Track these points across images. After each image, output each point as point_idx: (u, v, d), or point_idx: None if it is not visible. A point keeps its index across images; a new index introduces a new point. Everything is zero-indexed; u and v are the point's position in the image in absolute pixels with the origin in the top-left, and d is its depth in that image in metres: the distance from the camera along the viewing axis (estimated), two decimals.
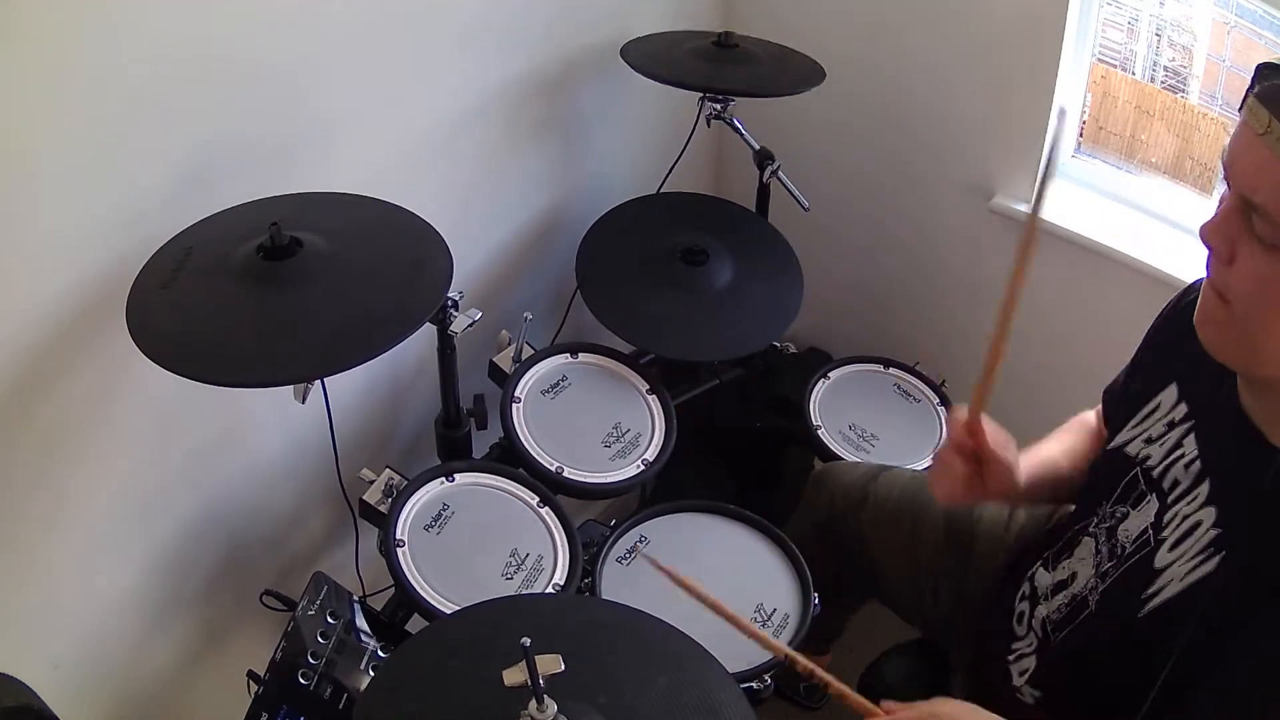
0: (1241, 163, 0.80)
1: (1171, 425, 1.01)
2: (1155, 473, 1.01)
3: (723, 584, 1.37)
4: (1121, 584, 1.02)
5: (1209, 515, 0.94)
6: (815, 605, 1.34)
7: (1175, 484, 0.98)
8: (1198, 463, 0.97)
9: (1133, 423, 1.06)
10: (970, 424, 1.07)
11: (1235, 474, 0.92)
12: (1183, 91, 1.71)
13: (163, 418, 1.24)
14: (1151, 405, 1.05)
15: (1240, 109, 0.80)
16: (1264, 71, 0.78)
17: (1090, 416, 1.28)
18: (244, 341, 1.01)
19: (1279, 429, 0.90)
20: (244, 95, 1.17)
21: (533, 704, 0.77)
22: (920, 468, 1.58)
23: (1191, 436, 0.99)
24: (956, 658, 1.35)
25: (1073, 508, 1.34)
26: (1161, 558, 0.97)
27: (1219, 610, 0.91)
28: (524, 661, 0.75)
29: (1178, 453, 0.99)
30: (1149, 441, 1.03)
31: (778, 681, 1.31)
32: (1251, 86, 0.78)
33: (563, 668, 0.76)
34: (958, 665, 1.34)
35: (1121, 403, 1.13)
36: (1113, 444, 1.08)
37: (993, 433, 1.08)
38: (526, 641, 0.74)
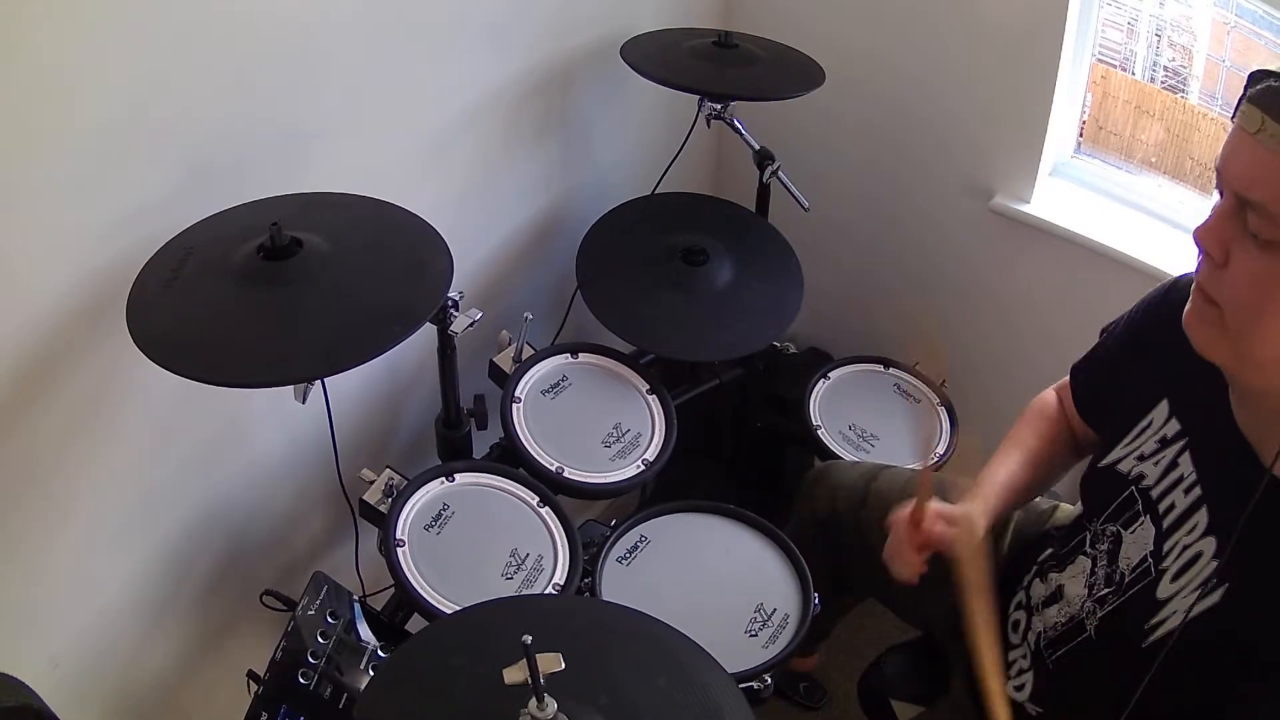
0: (1236, 163, 0.80)
1: (1164, 442, 1.01)
2: (1153, 494, 1.01)
3: (723, 584, 1.38)
4: (1123, 613, 1.02)
5: (1209, 546, 0.93)
6: (815, 605, 1.34)
7: (1172, 508, 0.98)
8: (1197, 489, 0.96)
9: (1125, 441, 1.06)
10: (913, 519, 1.13)
11: (1233, 501, 0.91)
12: (1183, 91, 1.71)
13: (163, 417, 1.24)
14: (1144, 423, 1.04)
15: (1233, 116, 0.81)
16: (1256, 77, 0.79)
17: (1049, 399, 1.28)
18: (244, 341, 1.01)
19: (1271, 447, 0.89)
20: (244, 95, 1.17)
21: (533, 702, 0.77)
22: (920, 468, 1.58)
23: (1186, 456, 0.98)
24: (955, 656, 1.35)
25: (1068, 507, 1.34)
26: (1164, 589, 0.97)
27: (1225, 641, 0.91)
28: (524, 660, 0.75)
29: (1174, 474, 0.99)
30: (1141, 459, 1.03)
31: (778, 681, 1.31)
32: (1244, 93, 0.80)
33: (563, 666, 0.77)
34: (957, 664, 1.34)
35: (1108, 414, 1.12)
36: (1104, 461, 1.08)
37: (939, 515, 1.12)
38: (528, 639, 0.74)
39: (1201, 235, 0.84)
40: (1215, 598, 0.92)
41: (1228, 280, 0.83)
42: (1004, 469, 1.21)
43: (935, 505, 1.14)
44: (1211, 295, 0.85)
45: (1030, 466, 1.21)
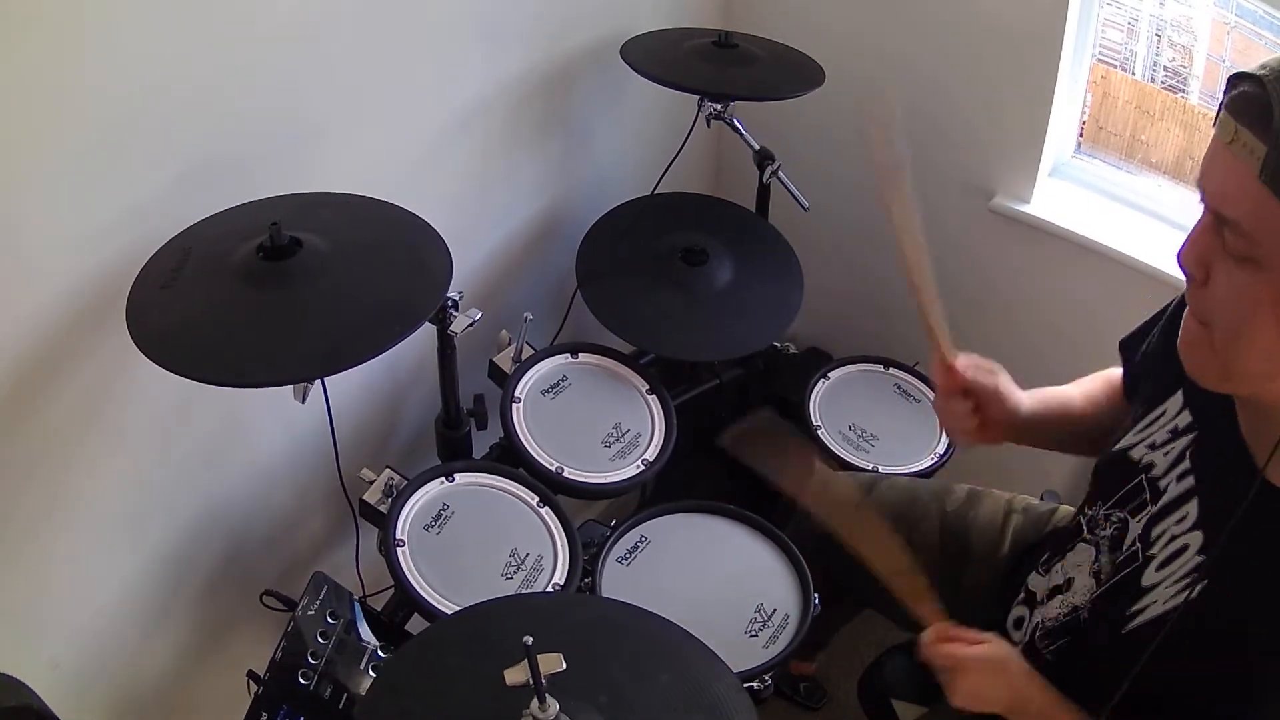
0: (1212, 178, 0.79)
1: (1175, 434, 1.01)
2: (1161, 483, 1.00)
3: (723, 584, 1.38)
4: (1111, 596, 1.02)
5: (1196, 540, 0.93)
6: (815, 605, 1.34)
7: (1166, 494, 0.98)
8: (1190, 478, 0.96)
9: (1139, 426, 1.06)
10: (943, 364, 1.13)
11: (1223, 498, 0.91)
12: (1183, 91, 1.71)
13: (162, 418, 1.24)
14: (1158, 410, 1.04)
15: (1215, 123, 0.78)
16: (1233, 81, 0.76)
17: (1116, 373, 1.25)
18: (244, 341, 1.01)
19: (1265, 451, 0.88)
20: (244, 95, 1.17)
21: (535, 703, 0.77)
22: (920, 469, 1.58)
23: (1192, 449, 0.98)
24: None
25: (1068, 509, 1.34)
26: (1149, 576, 0.97)
27: (1196, 638, 0.90)
28: (525, 661, 0.75)
29: (1181, 466, 0.98)
30: (1152, 448, 1.03)
31: (778, 681, 1.31)
32: (1223, 98, 0.77)
33: (564, 667, 0.77)
34: None
35: (1133, 392, 1.12)
36: (1118, 446, 1.08)
37: (974, 364, 1.13)
38: (529, 640, 0.74)
39: (1183, 256, 0.83)
40: (1194, 592, 0.91)
41: (1210, 298, 0.82)
42: (1056, 388, 1.21)
43: (970, 357, 1.15)
44: (1197, 314, 0.84)
45: (1083, 396, 1.21)
